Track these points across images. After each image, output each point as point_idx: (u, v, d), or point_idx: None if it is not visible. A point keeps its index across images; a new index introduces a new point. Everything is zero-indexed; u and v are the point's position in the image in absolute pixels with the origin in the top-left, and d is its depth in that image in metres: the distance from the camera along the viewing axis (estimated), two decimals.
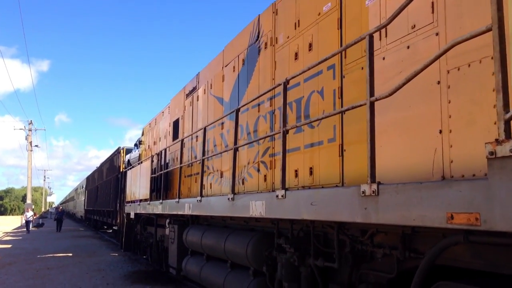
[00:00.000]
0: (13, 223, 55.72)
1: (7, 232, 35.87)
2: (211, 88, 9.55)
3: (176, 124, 12.20)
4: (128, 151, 21.40)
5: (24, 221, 34.71)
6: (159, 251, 11.95)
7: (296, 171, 5.91)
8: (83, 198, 40.91)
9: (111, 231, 29.73)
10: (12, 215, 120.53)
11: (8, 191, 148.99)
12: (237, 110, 6.62)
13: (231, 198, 6.32)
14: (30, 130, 43.44)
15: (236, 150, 6.51)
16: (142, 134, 17.41)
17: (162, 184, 10.76)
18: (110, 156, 23.81)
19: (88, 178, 39.01)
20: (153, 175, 11.99)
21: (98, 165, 35.38)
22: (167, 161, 12.02)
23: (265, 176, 6.78)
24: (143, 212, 12.79)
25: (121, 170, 19.62)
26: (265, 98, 6.93)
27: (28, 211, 34.77)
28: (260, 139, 6.25)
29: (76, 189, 56.13)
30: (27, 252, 19.83)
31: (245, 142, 6.60)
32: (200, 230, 8.17)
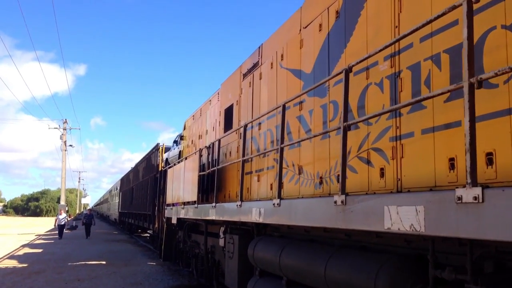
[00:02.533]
0: (47, 224, 55.08)
1: (39, 235, 34.68)
2: (282, 60, 7.44)
3: (229, 112, 10.15)
4: (167, 149, 19.56)
5: (56, 225, 30.49)
6: (209, 265, 9.89)
7: (451, 160, 3.72)
8: (117, 200, 39.45)
9: (148, 235, 27.98)
10: (48, 216, 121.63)
11: (44, 193, 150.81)
12: (347, 71, 4.46)
13: (342, 202, 4.16)
14: (64, 129, 42.34)
15: (347, 128, 4.35)
16: (184, 129, 15.45)
17: (216, 183, 8.69)
18: (147, 154, 21.91)
19: (122, 179, 37.48)
20: (201, 173, 9.95)
21: (133, 166, 33.82)
22: (215, 157, 9.96)
23: (381, 169, 4.61)
24: (188, 217, 10.77)
25: (160, 169, 17.70)
26: (379, 58, 4.77)
27: (61, 213, 31.08)
28: (386, 112, 4.04)
29: (110, 191, 55.01)
30: (57, 258, 18.17)
31: (356, 120, 4.42)
32: (277, 244, 6.02)
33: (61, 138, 42.19)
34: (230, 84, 10.37)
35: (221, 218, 8.23)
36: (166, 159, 19.12)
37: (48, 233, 37.36)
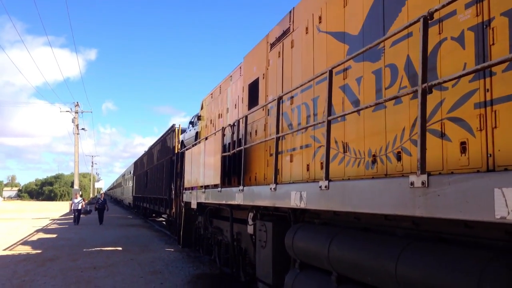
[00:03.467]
0: (62, 208, 55.01)
1: (54, 219, 34.34)
2: (320, 22, 6.52)
3: (253, 87, 9.27)
4: (182, 131, 18.76)
5: (72, 209, 29.03)
6: (235, 253, 9.11)
7: None
8: (131, 184, 38.96)
9: (163, 220, 27.35)
10: (62, 200, 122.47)
11: (57, 177, 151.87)
12: (426, 18, 3.54)
13: (422, 183, 3.31)
14: (76, 112, 41.68)
15: (427, 91, 3.46)
16: (201, 108, 14.60)
17: (243, 164, 7.87)
18: (162, 136, 21.09)
19: (136, 163, 36.88)
20: (224, 154, 9.12)
21: (146, 149, 33.17)
22: (240, 136, 9.12)
23: (462, 144, 3.73)
24: (210, 201, 9.98)
25: (177, 151, 16.91)
26: (458, 6, 3.85)
27: (76, 197, 29.80)
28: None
29: (123, 175, 54.63)
30: (72, 244, 17.60)
31: (442, 80, 3.50)
32: (323, 233, 5.18)
33: (73, 121, 41.64)
34: (254, 56, 9.47)
35: (250, 203, 7.43)
36: (182, 141, 18.35)
37: (62, 217, 37.06)
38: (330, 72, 5.05)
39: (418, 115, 3.45)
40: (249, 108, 9.25)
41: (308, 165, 6.68)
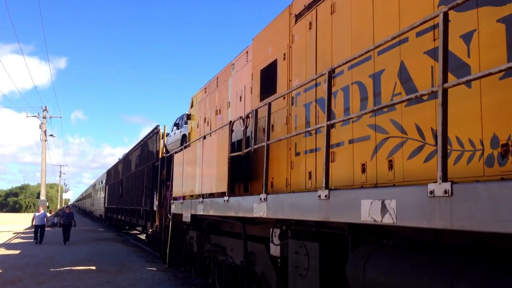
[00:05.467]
0: (27, 221, 51.52)
1: (17, 233, 31.59)
2: None
3: (268, 72, 7.51)
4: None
5: (33, 224, 22.74)
6: (248, 280, 7.22)
7: None
8: (103, 195, 36.43)
9: (138, 233, 25.09)
10: (27, 212, 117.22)
11: (23, 188, 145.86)
12: None
13: None
14: (44, 117, 38.91)
15: None
16: (191, 106, 12.72)
17: (265, 165, 6.06)
18: (143, 140, 18.91)
19: (109, 172, 34.39)
20: (234, 154, 7.30)
21: (119, 157, 30.90)
22: (259, 130, 7.36)
23: None
24: (211, 214, 8.11)
25: (161, 156, 14.91)
26: None
27: (39, 211, 23.01)
28: None
29: (94, 185, 51.74)
30: (37, 262, 15.32)
31: None
32: (431, 263, 3.40)
33: (40, 127, 38.85)
34: (270, 34, 7.71)
35: (279, 217, 5.61)
36: (165, 145, 16.40)
37: (27, 231, 34.24)
38: (445, 15, 3.30)
39: None
40: (262, 99, 7.49)
41: (363, 164, 4.94)
